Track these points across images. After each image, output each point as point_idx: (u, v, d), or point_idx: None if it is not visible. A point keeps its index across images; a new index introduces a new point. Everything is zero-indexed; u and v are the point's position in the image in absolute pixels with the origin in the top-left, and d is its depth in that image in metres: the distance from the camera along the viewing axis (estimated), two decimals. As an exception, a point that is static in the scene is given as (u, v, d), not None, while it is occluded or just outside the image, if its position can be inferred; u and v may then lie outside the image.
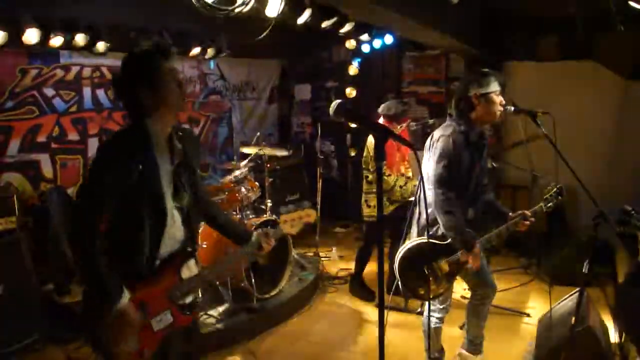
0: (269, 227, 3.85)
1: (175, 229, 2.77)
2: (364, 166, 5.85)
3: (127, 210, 2.61)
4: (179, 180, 2.76)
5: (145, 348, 2.65)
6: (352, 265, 6.34)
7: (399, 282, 3.87)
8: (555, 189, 3.99)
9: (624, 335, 4.26)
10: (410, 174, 5.92)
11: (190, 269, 2.86)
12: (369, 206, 5.83)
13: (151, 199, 2.63)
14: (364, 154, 5.83)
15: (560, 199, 4.00)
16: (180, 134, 2.82)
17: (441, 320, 4.19)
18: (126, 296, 2.53)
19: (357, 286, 6.14)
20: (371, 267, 6.18)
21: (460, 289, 5.64)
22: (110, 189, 2.52)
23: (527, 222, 3.91)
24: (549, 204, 3.97)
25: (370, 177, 5.78)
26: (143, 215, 2.62)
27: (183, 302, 2.81)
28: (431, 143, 3.88)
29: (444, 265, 3.80)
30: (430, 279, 3.79)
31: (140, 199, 2.60)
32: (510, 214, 3.99)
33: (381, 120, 5.68)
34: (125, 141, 2.62)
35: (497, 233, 3.91)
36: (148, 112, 2.62)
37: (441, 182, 3.71)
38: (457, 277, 4.00)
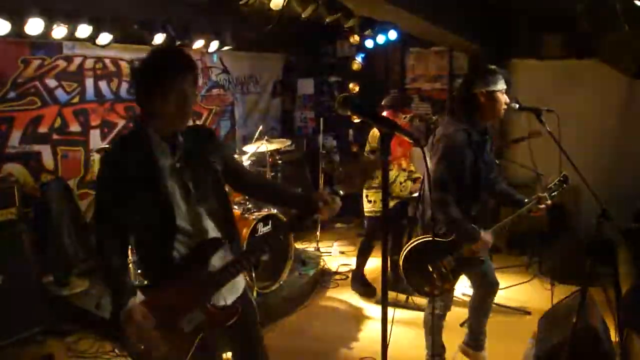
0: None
1: (200, 225, 2.71)
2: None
3: (140, 215, 2.60)
4: (188, 178, 2.69)
5: (180, 351, 2.56)
6: (353, 261, 6.33)
7: (405, 280, 3.86)
8: (559, 177, 3.96)
9: (625, 335, 4.25)
10: (412, 168, 5.91)
11: (221, 259, 2.75)
12: (369, 201, 5.80)
13: (156, 199, 2.59)
14: (366, 149, 5.81)
15: (565, 187, 3.97)
16: (187, 131, 2.75)
17: (443, 317, 4.18)
18: (135, 299, 2.49)
19: (358, 282, 6.12)
20: (372, 263, 6.17)
21: (462, 286, 5.63)
22: (116, 199, 2.55)
23: (543, 206, 3.87)
24: (553, 193, 3.94)
25: None
26: (151, 216, 2.59)
27: (217, 298, 2.70)
28: (433, 142, 3.85)
29: (450, 262, 3.78)
30: (435, 276, 3.78)
31: (149, 203, 2.58)
32: (525, 200, 3.96)
33: (386, 113, 5.67)
34: (125, 148, 2.64)
35: (511, 219, 3.89)
36: (149, 116, 2.60)
37: (439, 183, 3.68)
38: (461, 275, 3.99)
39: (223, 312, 2.68)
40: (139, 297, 2.51)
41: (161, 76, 2.52)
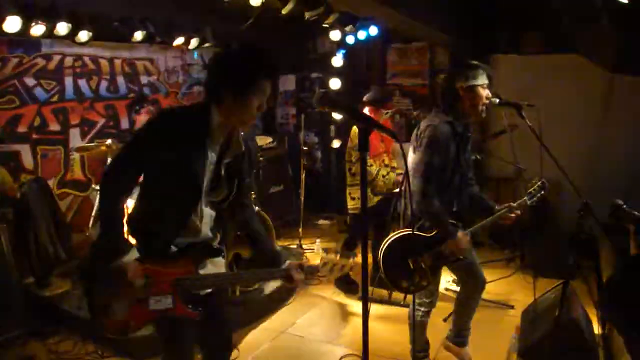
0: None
1: (204, 224, 2.75)
2: (346, 158, 5.82)
3: (161, 186, 2.63)
4: (220, 176, 2.73)
5: (132, 320, 2.62)
6: (335, 258, 6.30)
7: (383, 274, 3.84)
8: (538, 183, 3.98)
9: (607, 327, 4.28)
10: (395, 164, 5.91)
11: (216, 266, 2.85)
12: (353, 199, 5.80)
13: (186, 186, 2.62)
14: (348, 145, 5.80)
15: (544, 194, 4.00)
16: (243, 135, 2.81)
17: (427, 313, 4.16)
18: (131, 255, 2.59)
19: (341, 280, 6.09)
20: (355, 260, 6.14)
21: (444, 281, 5.65)
22: (151, 152, 2.56)
23: (513, 215, 3.91)
24: (533, 198, 3.97)
25: (354, 169, 5.74)
26: (174, 197, 2.62)
27: (189, 293, 2.73)
28: (418, 134, 3.83)
29: (428, 258, 3.78)
30: (415, 271, 3.77)
31: (177, 180, 2.60)
32: (496, 207, 3.98)
33: (366, 110, 5.68)
34: (185, 119, 2.63)
35: (482, 225, 3.90)
36: (218, 104, 2.60)
37: (421, 172, 3.67)
38: (442, 270, 3.99)
39: (187, 309, 2.71)
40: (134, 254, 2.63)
41: (257, 77, 2.55)
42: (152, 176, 2.65)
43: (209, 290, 2.85)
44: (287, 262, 2.96)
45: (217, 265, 2.86)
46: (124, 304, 2.58)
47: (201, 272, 2.75)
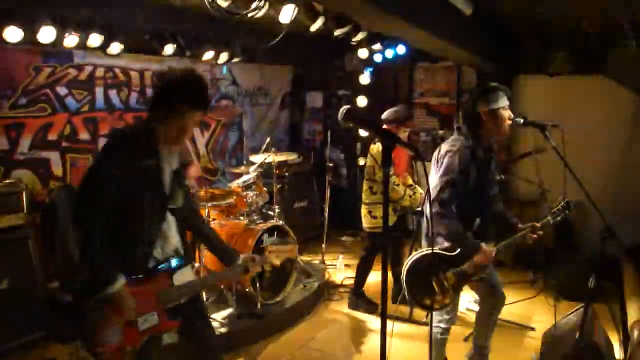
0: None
1: (170, 232, 2.90)
2: (366, 177, 5.82)
3: (128, 205, 2.72)
4: (176, 184, 2.91)
5: (128, 344, 2.70)
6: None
7: (405, 292, 3.85)
8: (562, 203, 3.97)
9: (630, 351, 4.23)
10: (410, 182, 5.90)
11: (184, 276, 2.96)
12: (374, 217, 5.74)
13: (154, 199, 2.77)
14: (368, 164, 5.79)
15: (568, 213, 3.99)
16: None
17: (447, 331, 4.15)
18: (122, 281, 2.63)
19: (359, 299, 6.05)
20: (372, 277, 6.13)
21: (465, 301, 5.62)
22: (114, 176, 2.65)
23: (535, 236, 3.90)
24: (557, 218, 3.97)
25: (375, 187, 5.72)
26: (143, 212, 2.74)
27: (171, 306, 2.87)
28: (438, 157, 3.87)
29: (451, 276, 3.78)
30: (437, 289, 3.77)
31: (142, 196, 2.73)
32: (519, 225, 3.97)
33: (386, 127, 5.67)
34: (133, 139, 2.76)
35: (505, 245, 3.90)
36: (154, 119, 2.79)
37: (441, 197, 3.69)
38: (464, 289, 3.99)
39: (171, 321, 2.86)
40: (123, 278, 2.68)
41: (177, 101, 2.72)
42: (121, 196, 2.70)
43: (182, 301, 2.97)
44: (241, 256, 3.25)
45: (184, 274, 2.97)
46: (117, 331, 2.66)
47: (176, 282, 2.90)
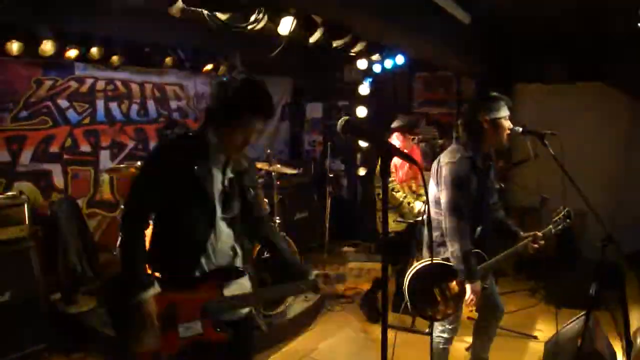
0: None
1: (222, 243, 2.82)
2: (375, 183, 5.86)
3: (176, 213, 2.71)
4: (230, 193, 2.83)
5: (165, 351, 2.65)
6: (359, 284, 6.30)
7: (408, 302, 3.85)
8: (563, 212, 3.98)
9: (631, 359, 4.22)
10: (422, 191, 5.92)
11: (241, 288, 2.89)
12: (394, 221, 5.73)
13: (201, 206, 2.72)
14: (376, 170, 5.84)
15: (569, 222, 3.99)
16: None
17: (449, 340, 4.13)
18: (152, 291, 2.60)
19: (367, 304, 6.09)
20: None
21: (467, 309, 5.62)
22: (160, 184, 2.65)
23: (536, 245, 3.90)
24: (558, 227, 3.97)
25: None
26: (190, 220, 2.71)
27: (218, 317, 2.78)
28: (437, 168, 3.87)
29: (453, 287, 3.78)
30: (439, 299, 3.78)
31: (191, 204, 2.70)
32: (521, 233, 3.98)
33: (396, 135, 5.79)
34: (184, 146, 2.76)
35: (505, 255, 3.91)
36: (212, 127, 2.74)
37: (453, 209, 3.69)
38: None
39: (217, 332, 2.76)
40: (156, 288, 2.64)
41: (242, 110, 2.68)
42: (167, 204, 2.71)
43: (239, 316, 2.91)
44: (314, 272, 3.05)
45: (242, 286, 2.90)
46: (154, 335, 2.61)
47: (227, 293, 2.80)
